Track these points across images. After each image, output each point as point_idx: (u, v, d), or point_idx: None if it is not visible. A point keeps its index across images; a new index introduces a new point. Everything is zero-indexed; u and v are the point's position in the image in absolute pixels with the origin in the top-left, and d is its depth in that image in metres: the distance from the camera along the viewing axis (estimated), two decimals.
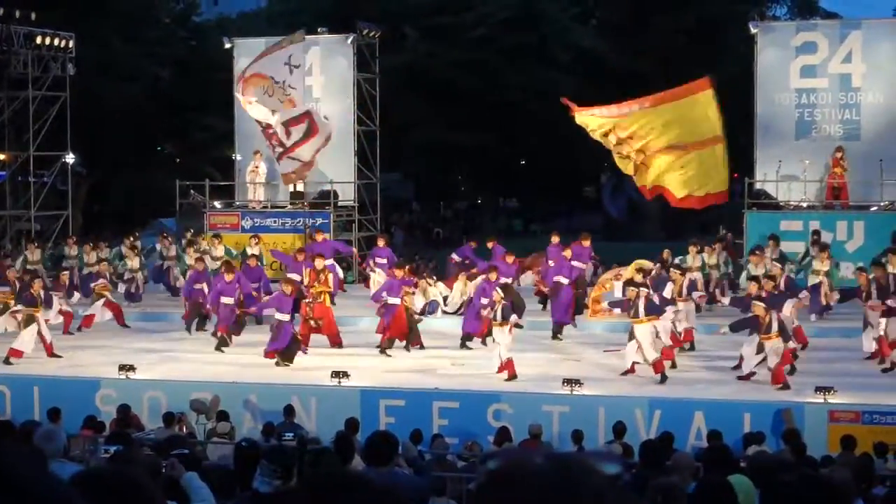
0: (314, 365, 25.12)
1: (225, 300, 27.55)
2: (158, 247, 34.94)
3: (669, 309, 24.39)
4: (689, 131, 31.38)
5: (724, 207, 37.73)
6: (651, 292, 24.10)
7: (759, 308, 23.01)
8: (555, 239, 32.08)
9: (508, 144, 60.53)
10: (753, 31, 36.53)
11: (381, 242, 33.34)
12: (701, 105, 31.39)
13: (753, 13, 39.45)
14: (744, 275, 29.42)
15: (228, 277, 27.87)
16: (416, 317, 27.60)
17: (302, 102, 37.40)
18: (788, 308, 24.56)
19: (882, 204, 34.48)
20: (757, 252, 30.33)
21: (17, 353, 25.79)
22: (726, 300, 26.30)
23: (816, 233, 32.36)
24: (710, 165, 31.43)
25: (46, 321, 26.51)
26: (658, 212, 57.60)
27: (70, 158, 41.14)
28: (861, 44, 35.38)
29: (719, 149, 31.40)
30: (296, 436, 17.97)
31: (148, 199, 52.65)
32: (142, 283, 33.57)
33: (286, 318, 25.83)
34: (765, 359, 22.72)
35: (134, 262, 33.45)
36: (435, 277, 31.00)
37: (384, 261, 31.69)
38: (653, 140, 31.38)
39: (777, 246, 31.49)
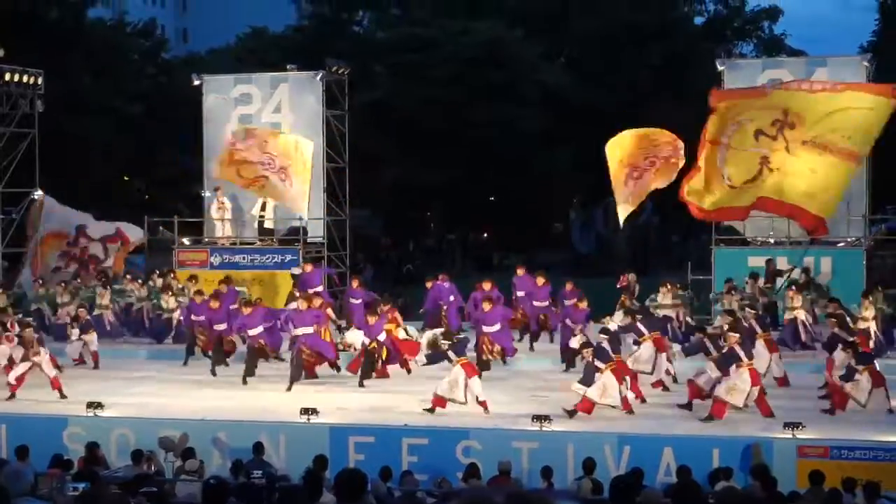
0: (283, 402, 25.12)
1: (251, 332, 28.06)
2: (129, 288, 34.94)
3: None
4: (843, 134, 28.65)
5: (691, 245, 37.93)
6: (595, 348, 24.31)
7: (732, 338, 23.50)
8: (520, 271, 32.58)
9: (477, 181, 60.64)
10: (720, 67, 36.73)
11: (354, 284, 33.65)
12: (872, 112, 28.58)
13: (720, 50, 39.62)
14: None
15: (247, 311, 28.28)
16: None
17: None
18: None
19: (849, 240, 34.71)
20: (731, 291, 30.64)
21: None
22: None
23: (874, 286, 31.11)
24: (833, 182, 29.12)
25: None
26: (626, 248, 57.86)
27: (38, 195, 40.96)
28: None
29: (853, 169, 29.23)
30: (265, 473, 17.93)
31: None
32: (112, 319, 33.57)
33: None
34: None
35: (104, 298, 33.47)
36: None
37: (358, 301, 32.11)
38: (803, 129, 28.85)
39: (756, 283, 31.71)
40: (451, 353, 24.24)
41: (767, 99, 29.71)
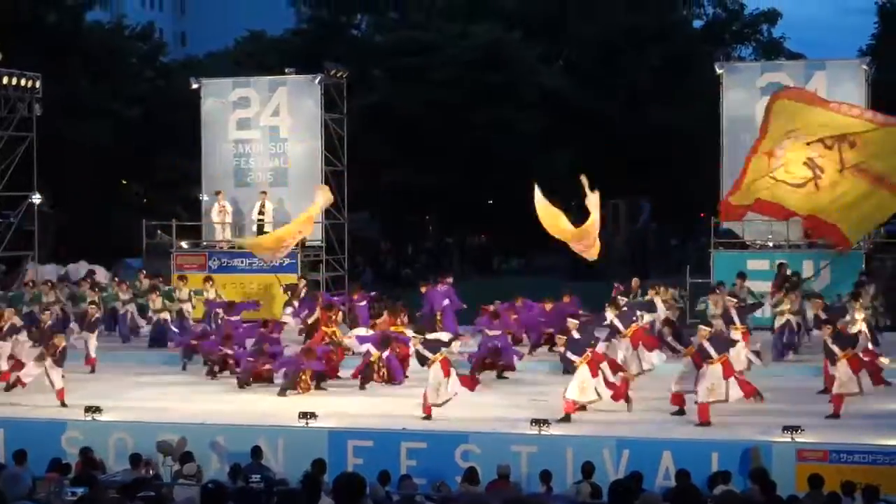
0: (282, 406, 25.11)
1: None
2: (114, 291, 35.09)
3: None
4: (888, 164, 29.76)
5: (690, 248, 37.92)
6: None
7: (702, 332, 23.67)
8: (519, 302, 32.33)
9: (476, 184, 60.62)
10: (719, 71, 36.76)
11: (356, 296, 33.71)
12: None
13: (719, 53, 39.68)
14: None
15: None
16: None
17: None
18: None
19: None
20: (717, 291, 30.48)
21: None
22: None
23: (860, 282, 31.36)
24: (867, 206, 30.11)
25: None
26: (625, 252, 57.82)
27: (37, 199, 40.94)
28: (826, 84, 35.62)
29: (889, 199, 29.97)
30: (263, 478, 17.90)
31: (115, 240, 52.45)
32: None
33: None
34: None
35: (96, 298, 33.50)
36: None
37: (363, 303, 32.28)
38: (853, 153, 29.89)
39: (744, 283, 31.66)
40: (426, 353, 24.30)
41: (827, 116, 30.11)
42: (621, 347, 26.00)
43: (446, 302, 32.27)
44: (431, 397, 23.80)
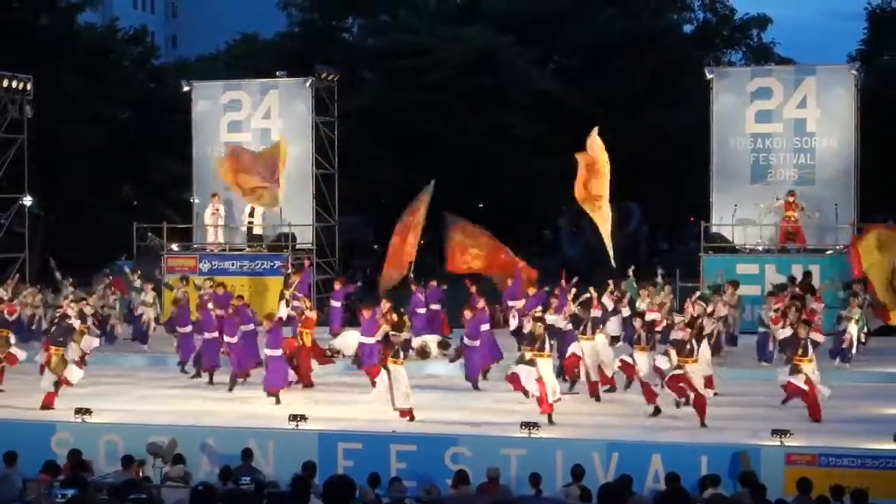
0: (272, 408, 25.13)
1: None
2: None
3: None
4: None
5: (680, 252, 37.95)
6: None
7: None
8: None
9: (467, 187, 60.56)
10: (709, 76, 36.87)
11: (337, 285, 33.72)
12: None
13: (709, 58, 39.80)
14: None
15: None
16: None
17: None
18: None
19: (837, 247, 34.77)
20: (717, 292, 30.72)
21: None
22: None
23: (847, 285, 31.68)
24: None
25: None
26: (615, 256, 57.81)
27: (27, 201, 40.90)
28: (815, 89, 35.79)
29: None
30: (253, 479, 17.90)
31: (105, 242, 52.35)
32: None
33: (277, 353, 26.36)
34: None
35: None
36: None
37: (339, 304, 32.22)
38: None
39: (735, 290, 31.68)
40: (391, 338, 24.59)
41: None
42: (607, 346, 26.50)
43: (422, 310, 32.39)
44: (401, 402, 23.89)
